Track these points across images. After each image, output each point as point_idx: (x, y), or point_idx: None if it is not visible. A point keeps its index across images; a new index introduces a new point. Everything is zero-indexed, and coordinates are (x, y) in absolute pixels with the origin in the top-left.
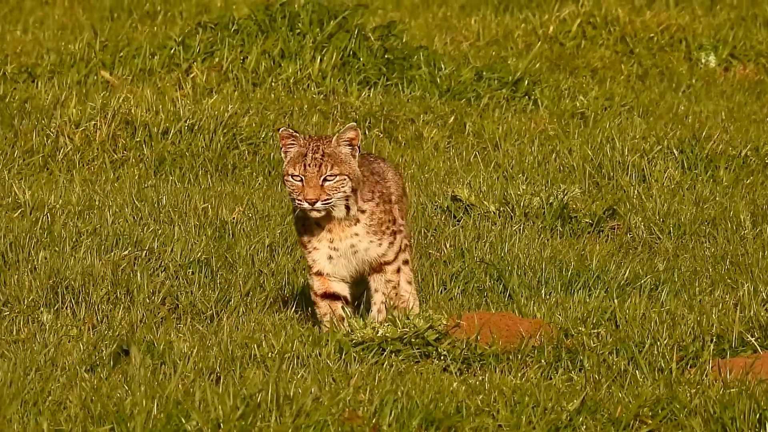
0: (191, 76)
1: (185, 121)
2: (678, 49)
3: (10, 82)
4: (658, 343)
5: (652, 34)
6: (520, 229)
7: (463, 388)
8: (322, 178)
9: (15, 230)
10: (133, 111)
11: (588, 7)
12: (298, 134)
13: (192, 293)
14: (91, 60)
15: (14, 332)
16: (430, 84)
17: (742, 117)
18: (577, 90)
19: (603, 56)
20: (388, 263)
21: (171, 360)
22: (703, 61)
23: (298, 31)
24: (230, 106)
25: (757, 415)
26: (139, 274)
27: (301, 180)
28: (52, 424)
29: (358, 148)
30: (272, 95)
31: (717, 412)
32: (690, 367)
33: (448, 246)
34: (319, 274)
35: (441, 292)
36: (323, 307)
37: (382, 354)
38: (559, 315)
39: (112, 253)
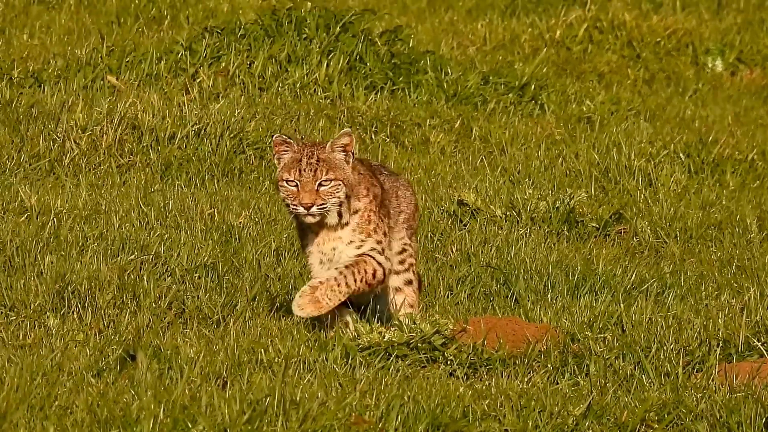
0: (198, 80)
1: (192, 126)
2: (685, 54)
3: (16, 86)
4: (665, 348)
5: (658, 39)
6: (526, 234)
7: (470, 392)
8: (317, 183)
9: (21, 235)
10: (139, 116)
11: (595, 11)
12: (291, 140)
13: (198, 298)
14: (97, 65)
15: (21, 337)
16: (437, 89)
17: (749, 121)
18: (584, 94)
19: (610, 61)
20: (366, 254)
21: (177, 365)
22: (709, 65)
23: (305, 35)
24: (237, 111)
25: (764, 420)
26: (145, 279)
27: (297, 185)
28: (59, 428)
29: (353, 154)
30: (279, 100)
31: (723, 416)
32: (696, 372)
33: (454, 250)
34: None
35: (447, 297)
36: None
37: (389, 359)
38: (566, 319)
39: (119, 258)
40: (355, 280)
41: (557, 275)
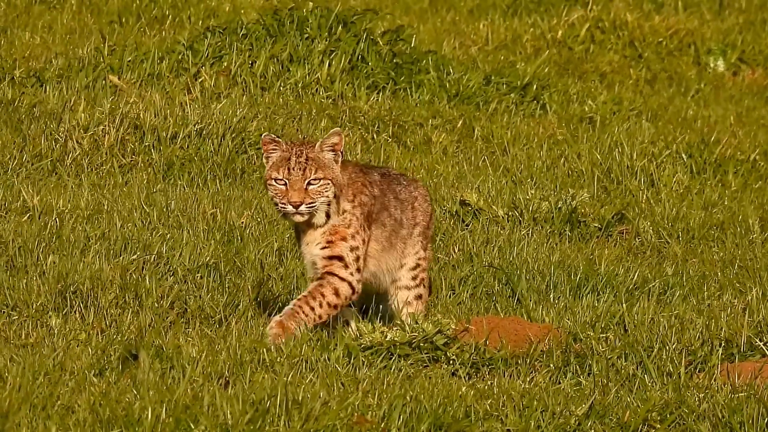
0: (200, 80)
1: (194, 126)
2: (687, 54)
3: (18, 86)
4: (667, 348)
5: (660, 39)
6: (528, 234)
7: (472, 392)
8: (306, 181)
9: (24, 234)
10: (141, 115)
11: (597, 11)
12: (280, 140)
13: (201, 297)
14: (99, 64)
15: (23, 336)
16: (439, 88)
17: (751, 121)
18: (586, 94)
19: (612, 61)
20: (331, 273)
21: (180, 364)
22: (711, 65)
23: (307, 35)
24: (239, 111)
25: (766, 420)
26: (147, 279)
27: (285, 184)
28: (61, 428)
29: (341, 153)
30: (281, 100)
31: (726, 416)
32: (699, 372)
33: (456, 250)
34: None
35: (450, 297)
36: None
37: (391, 358)
38: (568, 319)
39: (121, 258)
40: (313, 308)
41: (559, 275)
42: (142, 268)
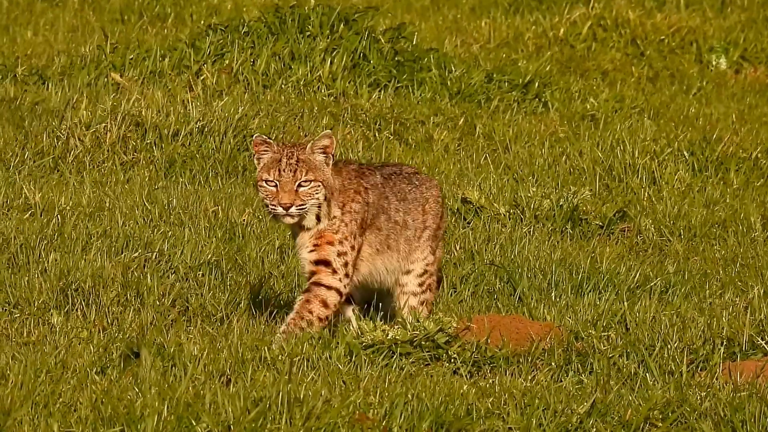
0: (201, 78)
1: (195, 123)
2: (689, 52)
3: (20, 84)
4: (669, 346)
5: (662, 37)
6: (530, 232)
7: (473, 390)
8: (296, 183)
9: (25, 232)
10: (143, 113)
11: (598, 9)
12: (271, 141)
13: (202, 295)
14: (101, 62)
15: (24, 334)
16: (441, 86)
17: (753, 119)
18: (588, 92)
19: (613, 58)
20: (318, 284)
21: (181, 362)
22: (713, 63)
23: (308, 33)
24: (240, 108)
25: None
26: (149, 276)
27: (276, 185)
28: (63, 426)
29: (332, 155)
30: (282, 97)
31: (727, 415)
32: (700, 370)
33: (458, 248)
34: None
35: (451, 295)
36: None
37: (393, 357)
38: (570, 318)
39: (123, 255)
40: (303, 328)
41: (561, 273)
42: (144, 265)
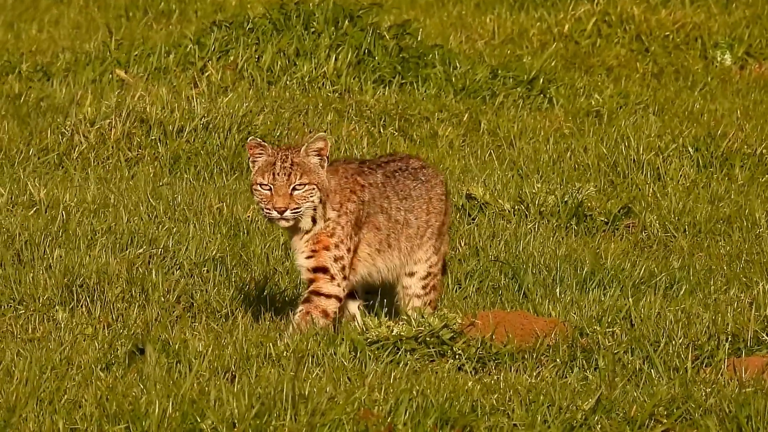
0: (206, 74)
1: (200, 120)
2: (693, 48)
3: (25, 80)
4: (674, 342)
5: (667, 33)
6: (534, 228)
7: (478, 387)
8: (291, 186)
9: (30, 228)
10: (148, 109)
11: (603, 5)
12: (266, 144)
13: (207, 292)
14: (106, 58)
15: (29, 330)
16: (445, 82)
17: (758, 115)
18: (593, 88)
19: (618, 54)
20: (317, 293)
21: (186, 359)
22: (718, 59)
23: (313, 29)
24: (245, 105)
25: None
26: (154, 273)
27: (270, 189)
28: (68, 422)
29: (327, 158)
30: (287, 93)
31: (732, 411)
32: (705, 366)
33: (462, 244)
34: None
35: (456, 291)
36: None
37: (397, 353)
38: (574, 314)
39: (127, 252)
40: (315, 318)
41: (566, 269)
42: (149, 262)
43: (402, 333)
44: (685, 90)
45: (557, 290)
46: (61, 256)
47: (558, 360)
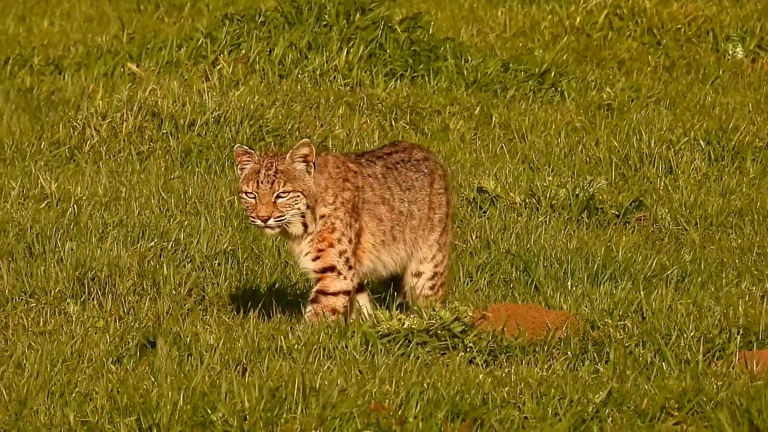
0: (218, 68)
1: (211, 113)
2: (705, 41)
3: (37, 74)
4: (685, 335)
5: (679, 26)
6: (546, 221)
7: (489, 380)
8: (274, 195)
9: (42, 221)
10: (159, 103)
11: None
12: (253, 151)
13: (218, 285)
14: (117, 52)
15: (41, 323)
16: (457, 76)
17: None
18: (604, 81)
19: (630, 47)
20: (324, 292)
21: (197, 351)
22: (730, 52)
23: (325, 23)
24: (256, 98)
25: None
26: (165, 266)
27: (255, 197)
28: (79, 415)
29: (313, 164)
30: (299, 87)
31: (744, 404)
32: (716, 359)
33: (474, 237)
34: None
35: (467, 284)
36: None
37: (408, 346)
38: (586, 307)
39: (139, 245)
40: (324, 317)
41: (577, 262)
42: (160, 255)
43: (413, 326)
44: (696, 83)
45: (568, 283)
46: (72, 249)
47: (569, 353)
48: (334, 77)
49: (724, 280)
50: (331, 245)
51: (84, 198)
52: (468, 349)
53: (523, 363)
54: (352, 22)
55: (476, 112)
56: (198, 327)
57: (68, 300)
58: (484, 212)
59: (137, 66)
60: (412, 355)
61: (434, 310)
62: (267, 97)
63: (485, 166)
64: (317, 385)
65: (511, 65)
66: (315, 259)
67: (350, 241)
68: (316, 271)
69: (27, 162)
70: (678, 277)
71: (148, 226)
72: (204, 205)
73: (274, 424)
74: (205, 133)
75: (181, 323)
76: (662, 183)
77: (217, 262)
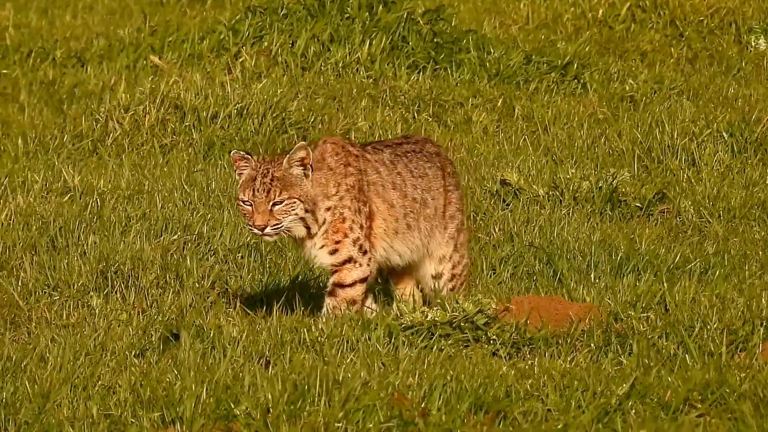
0: (240, 60)
1: (234, 106)
2: (728, 33)
3: (59, 67)
4: (708, 327)
5: (701, 17)
6: (569, 213)
7: (512, 372)
8: (270, 203)
9: (65, 215)
10: (182, 95)
11: None
12: (250, 156)
13: (241, 278)
14: (140, 45)
15: (64, 317)
16: (479, 68)
17: None
18: (627, 73)
19: (652, 39)
20: (341, 285)
21: (220, 344)
22: (752, 44)
23: (347, 15)
24: (279, 91)
25: None
26: (188, 259)
27: (251, 205)
28: (102, 408)
29: (311, 167)
30: (321, 79)
31: (767, 396)
32: (740, 351)
33: (497, 230)
34: None
35: (490, 276)
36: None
37: (432, 338)
38: (609, 299)
39: (162, 238)
40: (344, 309)
41: (600, 255)
42: (183, 248)
43: (436, 318)
44: (719, 75)
45: (592, 275)
46: (95, 243)
47: (592, 345)
48: (357, 69)
49: (747, 272)
50: (345, 235)
51: (107, 191)
52: (491, 342)
53: (546, 355)
54: (375, 14)
55: (499, 104)
56: (221, 320)
57: (91, 293)
58: (507, 205)
59: (160, 58)
60: (435, 347)
61: (457, 302)
62: (290, 89)
63: (508, 158)
64: (340, 378)
65: (533, 57)
66: (333, 252)
67: (361, 227)
68: (333, 265)
69: (50, 155)
70: (701, 269)
71: (171, 219)
72: (227, 198)
73: (297, 417)
74: (228, 126)
75: (204, 316)
76: (685, 175)
77: (240, 255)
